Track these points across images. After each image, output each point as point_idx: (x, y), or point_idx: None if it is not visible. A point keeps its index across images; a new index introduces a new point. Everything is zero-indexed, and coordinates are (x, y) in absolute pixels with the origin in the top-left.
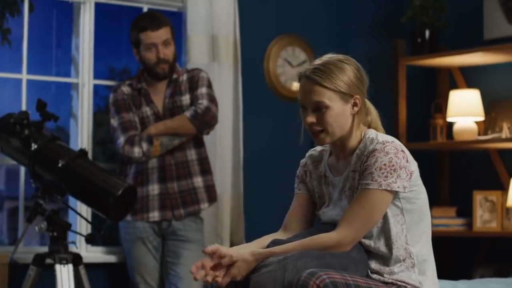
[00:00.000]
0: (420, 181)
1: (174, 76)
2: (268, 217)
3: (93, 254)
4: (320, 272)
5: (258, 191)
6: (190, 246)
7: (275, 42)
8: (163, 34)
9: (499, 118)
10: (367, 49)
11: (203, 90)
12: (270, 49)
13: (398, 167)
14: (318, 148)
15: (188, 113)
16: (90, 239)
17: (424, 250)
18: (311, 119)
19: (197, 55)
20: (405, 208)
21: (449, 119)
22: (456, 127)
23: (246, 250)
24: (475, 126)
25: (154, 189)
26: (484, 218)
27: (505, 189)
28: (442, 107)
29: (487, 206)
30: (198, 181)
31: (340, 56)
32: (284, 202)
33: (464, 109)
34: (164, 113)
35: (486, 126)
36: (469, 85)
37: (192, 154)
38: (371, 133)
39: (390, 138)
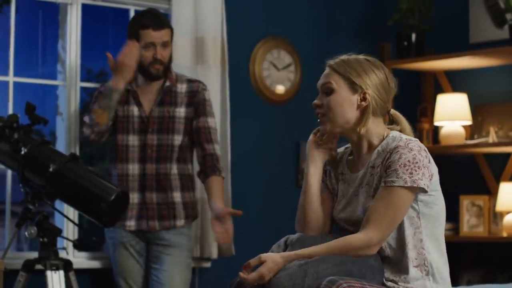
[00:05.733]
0: (439, 188)
1: (168, 83)
2: (256, 220)
3: (78, 259)
4: (340, 280)
5: (246, 194)
6: (173, 251)
7: (260, 44)
8: (163, 35)
9: (485, 122)
10: (352, 52)
11: (211, 122)
12: (256, 52)
13: (422, 165)
14: (340, 149)
15: (218, 173)
16: (78, 245)
17: (438, 258)
18: (317, 101)
19: (181, 57)
20: (422, 211)
21: (436, 123)
22: (443, 132)
23: (277, 254)
24: (462, 131)
25: (134, 197)
26: (471, 223)
27: (492, 194)
28: (427, 111)
29: (474, 211)
30: (177, 196)
31: (371, 58)
32: (272, 205)
33: (452, 113)
34: (149, 120)
35: (472, 130)
36: (455, 89)
37: (174, 168)
38: (395, 133)
39: (413, 138)
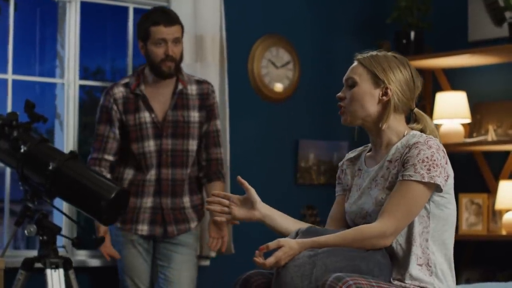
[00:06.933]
0: (452, 192)
1: (180, 87)
2: None
3: (78, 258)
4: (347, 278)
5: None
6: (182, 250)
7: (259, 42)
8: (175, 31)
9: (484, 120)
10: (351, 50)
11: (219, 125)
12: (255, 50)
13: (439, 163)
14: (359, 148)
15: (222, 179)
16: (77, 243)
17: (442, 261)
18: (340, 93)
19: None
20: (432, 212)
21: (435, 121)
22: (442, 130)
23: (293, 240)
24: (461, 129)
25: (147, 202)
26: (470, 221)
27: (491, 192)
28: (426, 109)
29: (473, 209)
30: (187, 200)
31: (399, 56)
32: (271, 203)
33: (451, 112)
34: (163, 124)
35: (471, 128)
36: (454, 87)
37: (187, 172)
38: (416, 132)
39: (433, 137)
